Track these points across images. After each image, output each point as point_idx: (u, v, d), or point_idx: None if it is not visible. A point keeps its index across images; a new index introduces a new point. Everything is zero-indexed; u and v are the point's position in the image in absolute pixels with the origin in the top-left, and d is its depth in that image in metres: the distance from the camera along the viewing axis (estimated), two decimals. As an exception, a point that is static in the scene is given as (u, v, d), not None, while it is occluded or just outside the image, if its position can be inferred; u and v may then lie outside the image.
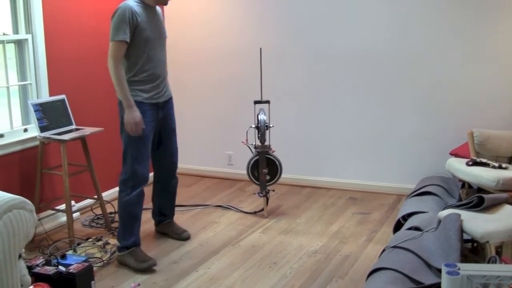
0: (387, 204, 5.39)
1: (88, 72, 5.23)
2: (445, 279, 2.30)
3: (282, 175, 5.18)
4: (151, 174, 4.57)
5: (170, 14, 6.34)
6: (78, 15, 5.11)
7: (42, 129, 4.54)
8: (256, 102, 5.27)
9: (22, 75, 4.74)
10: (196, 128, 6.48)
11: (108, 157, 5.45)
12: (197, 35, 6.27)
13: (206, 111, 6.39)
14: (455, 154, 4.95)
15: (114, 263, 4.20)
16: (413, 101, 5.47)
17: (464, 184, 4.60)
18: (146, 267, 4.07)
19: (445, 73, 5.31)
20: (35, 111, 4.51)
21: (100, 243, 4.43)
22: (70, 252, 4.23)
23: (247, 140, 5.29)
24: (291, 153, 6.02)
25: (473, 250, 3.80)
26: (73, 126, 4.81)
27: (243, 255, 4.32)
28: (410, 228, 3.87)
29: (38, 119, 4.52)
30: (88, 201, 5.16)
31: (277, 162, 5.10)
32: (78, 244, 4.40)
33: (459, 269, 2.29)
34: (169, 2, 4.35)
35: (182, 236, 4.65)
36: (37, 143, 4.64)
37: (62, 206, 4.72)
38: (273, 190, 5.52)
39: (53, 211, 4.82)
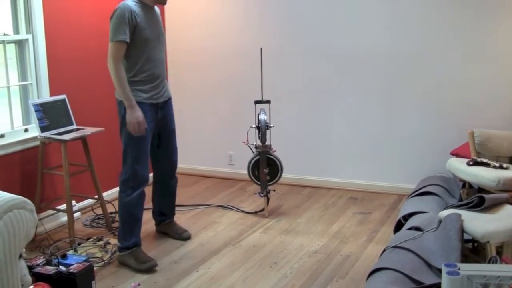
0: (387, 204, 5.39)
1: (88, 72, 5.24)
2: (445, 279, 2.30)
3: (283, 175, 5.17)
4: (151, 174, 4.56)
5: (170, 14, 6.34)
6: (79, 15, 5.12)
7: (43, 129, 4.54)
8: (256, 102, 5.27)
9: (22, 75, 4.74)
10: (197, 128, 6.48)
11: (108, 157, 5.45)
12: (197, 35, 6.27)
13: (206, 111, 6.39)
14: (455, 154, 4.95)
15: (115, 263, 4.20)
16: (413, 101, 5.47)
17: (465, 184, 4.60)
18: (147, 268, 4.06)
19: (446, 73, 5.31)
20: (35, 111, 4.51)
21: (100, 243, 4.43)
22: (71, 252, 4.23)
23: (247, 140, 5.29)
24: (292, 153, 6.02)
25: (473, 250, 3.80)
26: (74, 126, 4.81)
27: (243, 255, 4.32)
28: (410, 228, 3.87)
29: (38, 119, 4.52)
30: (89, 201, 5.16)
31: (277, 162, 5.10)
32: (79, 244, 4.40)
33: (459, 269, 2.29)
34: (168, 2, 4.35)
35: (182, 236, 4.65)
36: (37, 143, 4.65)
37: (63, 206, 4.73)
38: (274, 190, 5.52)
39: (54, 211, 4.82)
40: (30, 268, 3.51)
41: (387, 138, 5.64)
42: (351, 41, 5.61)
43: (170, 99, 4.43)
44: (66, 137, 4.49)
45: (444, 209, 3.83)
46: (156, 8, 4.30)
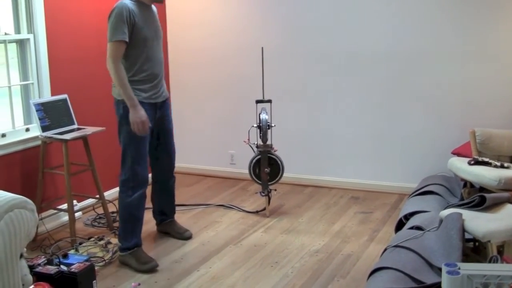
0: (389, 204, 5.38)
1: (90, 72, 5.24)
2: (445, 279, 2.29)
3: (284, 175, 5.17)
4: (150, 175, 4.56)
5: (171, 14, 6.34)
6: (80, 15, 5.12)
7: (44, 128, 4.55)
8: (258, 102, 5.27)
9: (24, 74, 4.75)
10: (198, 127, 6.48)
11: (110, 157, 5.45)
12: (198, 35, 6.27)
13: (208, 110, 6.39)
14: (457, 153, 4.94)
15: (116, 263, 4.20)
16: (414, 100, 5.47)
17: (466, 184, 4.60)
18: (148, 269, 4.06)
19: (447, 73, 5.30)
20: (37, 110, 4.52)
21: (102, 242, 4.43)
22: (72, 251, 4.23)
23: (249, 139, 5.29)
24: (293, 152, 6.02)
25: (474, 249, 3.80)
26: (75, 126, 4.82)
27: (244, 255, 4.32)
28: (411, 228, 3.87)
29: (40, 119, 4.52)
30: (90, 201, 5.17)
31: (279, 162, 5.10)
32: (80, 244, 4.40)
33: (459, 268, 2.28)
34: (167, 1, 4.32)
35: (184, 236, 4.64)
36: (39, 142, 4.65)
37: (64, 206, 4.72)
38: (275, 190, 5.51)
39: (55, 211, 4.82)
40: (31, 267, 3.51)
41: (389, 138, 5.63)
42: (352, 40, 5.60)
43: (167, 99, 4.42)
44: (67, 136, 4.49)
45: (445, 208, 3.83)
46: (153, 7, 4.28)
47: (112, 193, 5.44)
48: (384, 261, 3.37)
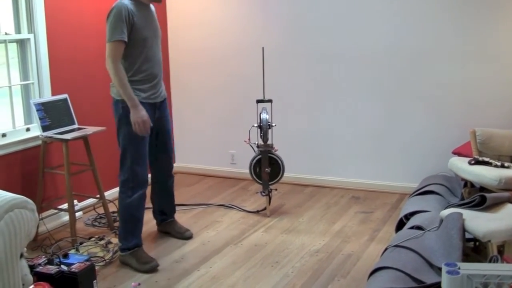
0: (389, 203, 5.38)
1: (90, 72, 5.24)
2: (445, 279, 2.29)
3: (285, 174, 5.17)
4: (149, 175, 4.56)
5: (172, 14, 6.34)
6: (80, 15, 5.12)
7: (44, 128, 4.55)
8: (258, 101, 5.27)
9: (24, 74, 4.75)
10: (199, 127, 6.48)
11: (110, 156, 5.45)
12: (199, 35, 6.27)
13: (208, 110, 6.39)
14: (457, 153, 4.94)
15: (116, 262, 4.20)
16: (415, 100, 5.46)
17: (467, 183, 4.59)
18: (149, 269, 4.06)
19: (447, 73, 5.30)
20: (37, 110, 4.52)
21: (102, 242, 4.43)
22: (73, 251, 4.23)
23: (249, 139, 5.29)
24: (294, 152, 6.02)
25: (475, 249, 3.79)
26: (75, 126, 4.82)
27: (245, 254, 4.32)
28: (412, 227, 3.87)
29: (40, 119, 4.53)
30: (91, 200, 5.17)
31: (279, 161, 5.10)
32: (81, 243, 4.41)
33: (459, 268, 2.28)
34: (165, 0, 4.30)
35: (184, 235, 4.64)
36: (39, 142, 4.65)
37: (65, 206, 4.72)
38: (276, 189, 5.51)
39: (56, 211, 4.82)
40: (32, 267, 3.51)
41: (389, 137, 5.63)
42: (353, 40, 5.60)
43: (165, 99, 4.40)
44: (68, 136, 4.49)
45: (446, 208, 3.83)
46: (152, 7, 4.26)
47: (112, 193, 5.44)
48: (384, 261, 3.37)
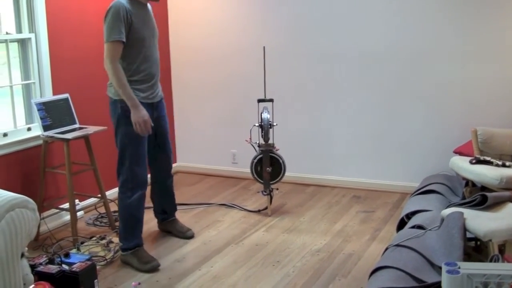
0: (391, 203, 5.38)
1: (91, 71, 5.24)
2: (445, 278, 2.29)
3: (286, 174, 5.17)
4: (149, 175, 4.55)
5: (173, 12, 6.34)
6: (81, 14, 5.12)
7: (46, 128, 4.55)
8: (259, 101, 5.27)
9: (25, 74, 4.75)
10: (200, 126, 6.48)
11: (111, 156, 5.43)
12: (200, 34, 6.27)
13: (209, 109, 6.39)
14: (459, 152, 4.93)
15: (118, 262, 4.21)
16: (417, 99, 5.46)
17: (468, 183, 4.59)
18: (150, 268, 4.05)
19: (448, 72, 5.30)
20: (38, 110, 4.52)
21: (103, 241, 4.43)
22: (74, 250, 4.23)
23: (250, 138, 5.29)
24: (295, 151, 6.02)
25: (476, 248, 3.79)
26: (77, 125, 4.82)
27: (246, 254, 4.32)
28: (413, 227, 3.86)
29: (41, 118, 4.53)
30: (92, 200, 5.17)
31: (280, 161, 5.09)
32: (82, 243, 4.41)
33: (459, 267, 2.28)
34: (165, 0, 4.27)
35: (186, 235, 4.64)
36: (40, 142, 4.66)
37: (66, 205, 4.73)
38: (277, 189, 5.52)
39: (57, 210, 4.83)
40: (33, 267, 3.52)
41: (390, 137, 5.63)
42: (354, 40, 5.60)
43: (162, 99, 4.39)
44: (69, 136, 4.50)
45: (447, 207, 3.83)
46: (149, 6, 4.21)
47: (113, 192, 5.43)
48: (385, 260, 3.37)
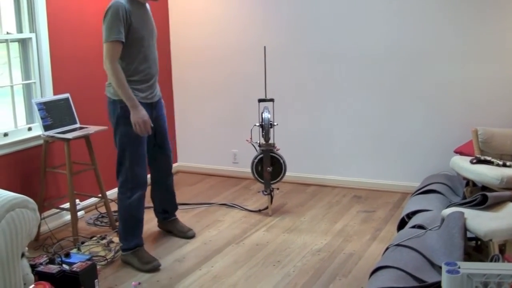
0: (391, 202, 5.37)
1: (92, 71, 5.24)
2: (445, 278, 2.29)
3: (287, 174, 5.17)
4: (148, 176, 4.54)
5: (174, 12, 6.34)
6: (82, 14, 5.12)
7: (46, 127, 4.56)
8: (260, 101, 5.27)
9: (26, 74, 4.75)
10: (201, 126, 6.48)
11: (112, 156, 5.41)
12: (201, 33, 6.27)
13: (210, 109, 6.39)
14: (459, 152, 4.93)
15: (118, 262, 4.21)
16: (417, 99, 5.46)
17: (469, 182, 4.58)
18: (150, 268, 4.05)
19: (449, 72, 5.29)
20: (39, 110, 4.52)
21: (104, 241, 4.43)
22: (74, 250, 4.23)
23: (251, 138, 5.29)
24: (296, 151, 6.02)
25: (477, 248, 3.79)
26: (77, 125, 4.82)
27: (247, 254, 4.32)
28: (413, 226, 3.86)
29: (42, 118, 4.53)
30: (93, 200, 5.18)
31: (281, 161, 5.09)
32: (82, 243, 4.41)
33: (459, 267, 2.28)
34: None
35: (187, 235, 4.63)
36: (41, 141, 4.66)
37: (66, 205, 4.73)
38: (278, 189, 5.52)
39: (57, 210, 4.83)
40: (33, 266, 3.52)
41: (391, 137, 5.62)
42: (355, 40, 5.59)
43: (161, 98, 4.38)
44: (69, 135, 4.50)
45: (447, 207, 3.82)
46: (147, 5, 4.19)
47: (114, 192, 5.40)
48: (385, 260, 3.37)
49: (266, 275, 3.95)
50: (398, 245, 3.53)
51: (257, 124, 5.22)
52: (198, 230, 4.77)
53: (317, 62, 5.78)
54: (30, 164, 4.67)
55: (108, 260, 4.19)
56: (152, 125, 4.08)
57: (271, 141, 5.08)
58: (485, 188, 4.32)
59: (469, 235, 3.52)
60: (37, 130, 4.69)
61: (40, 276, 3.49)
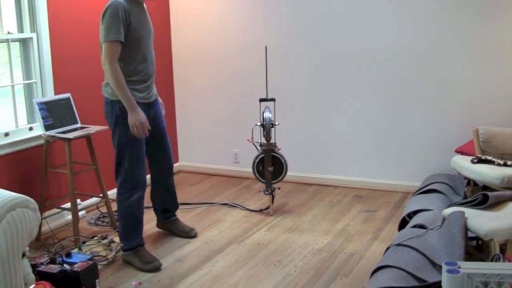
0: (393, 202, 5.37)
1: (93, 71, 5.24)
2: (445, 278, 2.29)
3: (288, 173, 5.17)
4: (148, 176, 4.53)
5: (175, 11, 6.34)
6: (83, 13, 5.12)
7: (47, 127, 4.56)
8: (261, 100, 5.26)
9: (27, 73, 4.76)
10: (202, 126, 6.48)
11: (113, 155, 5.43)
12: (202, 33, 6.27)
13: (211, 109, 6.39)
14: (460, 151, 4.93)
15: (119, 261, 4.21)
16: (418, 99, 5.45)
17: (470, 182, 4.58)
18: (151, 268, 4.05)
19: (449, 71, 5.29)
20: (40, 109, 4.53)
21: (105, 241, 4.43)
22: (75, 250, 4.23)
23: (252, 138, 5.29)
24: (297, 151, 6.02)
25: (478, 248, 3.79)
26: (78, 125, 4.82)
27: (248, 253, 4.32)
28: (414, 226, 3.86)
29: (43, 118, 4.53)
30: (94, 200, 5.18)
31: (282, 160, 5.09)
32: (83, 243, 4.41)
33: (459, 267, 2.28)
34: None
35: (189, 234, 4.63)
36: (42, 141, 4.66)
37: (68, 205, 4.73)
38: (279, 188, 5.51)
39: (58, 210, 4.83)
40: (34, 266, 3.52)
41: (392, 136, 5.62)
42: (356, 40, 5.59)
43: (158, 97, 4.36)
44: (70, 135, 4.50)
45: (448, 206, 3.82)
46: (144, 5, 4.15)
47: (115, 192, 5.41)
48: (386, 260, 3.37)
49: (267, 274, 3.95)
50: (399, 244, 3.53)
51: (258, 123, 5.21)
52: (199, 230, 4.77)
53: (318, 61, 5.78)
54: (31, 164, 4.67)
55: (109, 260, 4.19)
56: (150, 127, 4.05)
57: (272, 141, 5.08)
58: (486, 187, 4.31)
59: (470, 234, 3.52)
60: (38, 130, 4.69)
61: (41, 276, 3.49)
